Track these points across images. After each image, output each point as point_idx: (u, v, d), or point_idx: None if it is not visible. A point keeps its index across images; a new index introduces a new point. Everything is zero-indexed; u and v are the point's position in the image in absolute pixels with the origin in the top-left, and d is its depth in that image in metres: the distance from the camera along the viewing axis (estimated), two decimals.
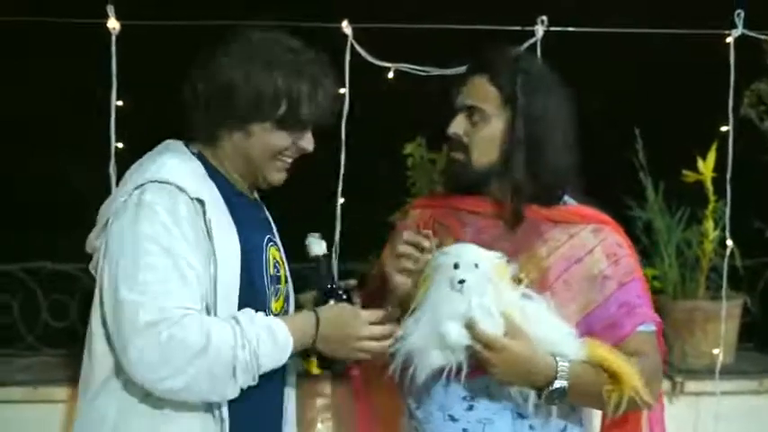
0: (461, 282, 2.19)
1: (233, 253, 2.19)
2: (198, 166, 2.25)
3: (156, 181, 2.14)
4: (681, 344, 3.59)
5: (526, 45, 3.21)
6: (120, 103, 3.18)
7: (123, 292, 2.09)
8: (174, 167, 2.18)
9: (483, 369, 2.22)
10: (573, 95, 2.43)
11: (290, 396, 2.41)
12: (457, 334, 2.19)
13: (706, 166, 3.65)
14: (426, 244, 2.29)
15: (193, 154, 2.29)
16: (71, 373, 3.58)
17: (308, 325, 2.23)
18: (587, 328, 2.31)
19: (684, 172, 3.66)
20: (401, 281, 2.31)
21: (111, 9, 3.13)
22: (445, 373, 2.23)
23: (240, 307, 2.19)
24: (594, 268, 2.36)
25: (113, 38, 3.14)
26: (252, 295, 2.22)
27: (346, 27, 3.22)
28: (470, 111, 2.38)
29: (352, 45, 3.20)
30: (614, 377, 2.25)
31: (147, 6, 3.15)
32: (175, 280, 2.10)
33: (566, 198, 2.44)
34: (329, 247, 3.07)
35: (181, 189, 2.14)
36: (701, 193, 3.67)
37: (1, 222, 4.00)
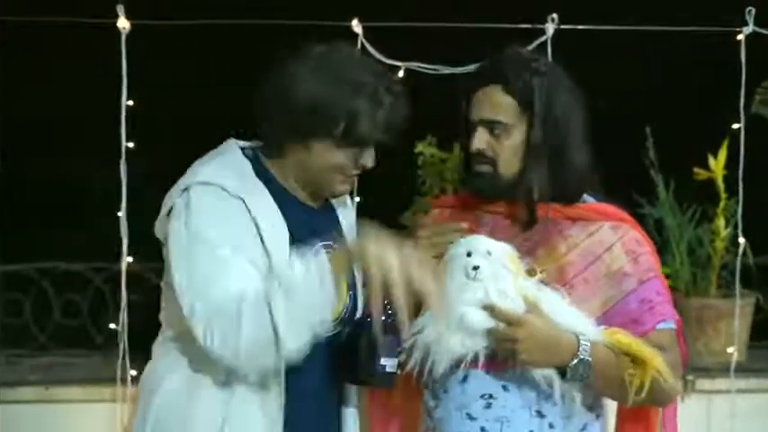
0: (476, 268, 2.20)
1: (284, 249, 2.22)
2: (246, 166, 2.30)
3: (199, 183, 2.21)
4: (692, 342, 3.59)
5: (536, 43, 3.21)
6: (130, 102, 3.18)
7: (187, 296, 2.17)
8: (217, 168, 2.26)
9: (506, 355, 2.22)
10: (584, 93, 2.42)
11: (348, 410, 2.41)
12: (476, 317, 2.19)
13: (717, 164, 3.64)
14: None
15: (247, 156, 2.32)
16: (82, 373, 3.60)
17: (340, 253, 2.18)
18: (607, 324, 2.31)
19: (695, 170, 3.66)
20: None
21: (120, 9, 3.14)
22: (464, 363, 2.24)
23: None
24: (614, 265, 2.35)
25: (123, 37, 3.15)
26: None
27: (356, 26, 3.22)
28: (489, 124, 2.36)
29: (362, 44, 3.20)
30: (635, 361, 2.26)
31: (157, 6, 3.15)
32: (230, 269, 2.16)
33: (584, 196, 2.43)
34: None
35: (223, 188, 2.21)
36: (712, 191, 3.67)
37: (13, 222, 4.01)
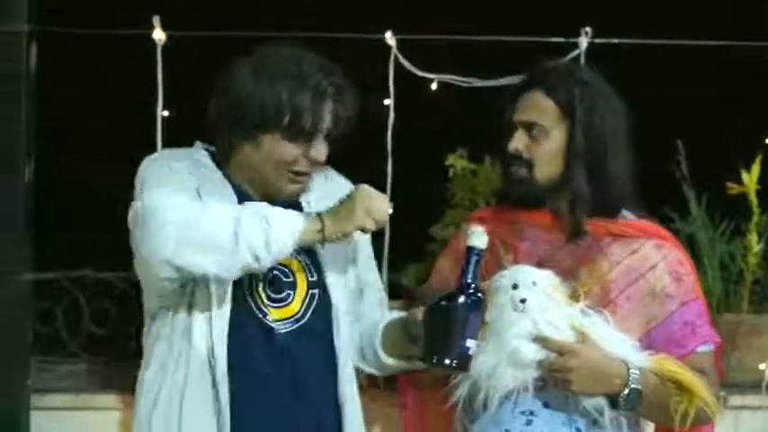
0: (523, 301, 2.21)
1: None
2: (205, 158, 2.38)
3: (151, 160, 2.36)
4: (724, 358, 3.56)
5: (570, 57, 3.20)
6: (165, 113, 3.21)
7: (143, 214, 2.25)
8: (172, 151, 2.42)
9: (558, 383, 2.22)
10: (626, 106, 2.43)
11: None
12: (529, 350, 2.20)
13: (750, 179, 3.62)
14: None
15: (208, 152, 2.41)
16: (113, 381, 3.61)
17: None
18: (649, 344, 2.32)
19: (728, 184, 3.64)
20: None
21: (156, 20, 3.17)
22: (515, 393, 2.25)
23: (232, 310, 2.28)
24: (657, 284, 2.36)
25: (159, 48, 3.17)
26: (234, 297, 2.28)
27: (390, 38, 3.23)
28: (529, 126, 2.38)
29: (395, 56, 3.21)
30: (681, 388, 2.26)
31: (193, 17, 3.17)
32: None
33: (624, 212, 2.43)
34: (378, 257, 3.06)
35: (177, 160, 2.34)
36: (744, 206, 3.65)
37: (46, 229, 4.04)
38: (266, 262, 2.19)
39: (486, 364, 2.24)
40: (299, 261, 2.37)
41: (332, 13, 3.84)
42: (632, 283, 2.36)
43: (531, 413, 2.30)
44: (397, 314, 2.47)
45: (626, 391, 2.23)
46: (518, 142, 2.39)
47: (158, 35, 3.17)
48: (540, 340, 2.21)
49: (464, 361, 2.22)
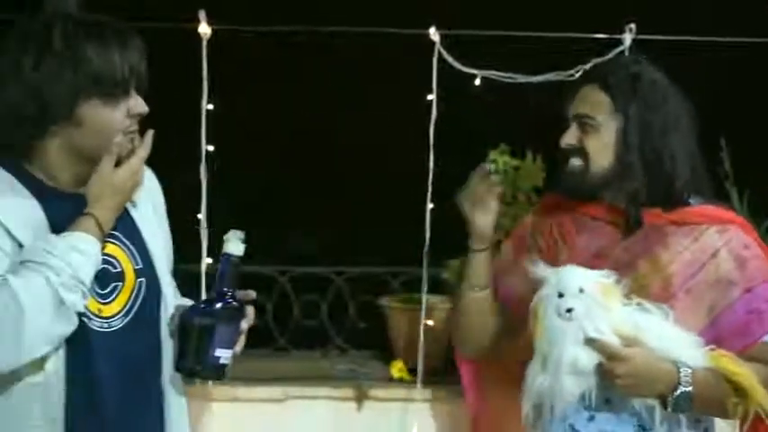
0: (569, 311, 2.20)
1: (41, 236, 2.08)
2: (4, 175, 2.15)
3: None
4: None
5: (614, 53, 3.19)
6: (210, 106, 3.23)
7: None
8: None
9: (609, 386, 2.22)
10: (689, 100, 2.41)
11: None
12: (586, 356, 2.20)
13: None
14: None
15: (3, 166, 2.15)
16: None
17: (81, 218, 2.09)
18: (714, 335, 2.28)
19: None
20: (483, 221, 2.38)
21: (202, 14, 3.19)
22: (584, 400, 2.24)
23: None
24: (720, 271, 2.31)
25: (204, 42, 3.19)
26: None
27: (434, 34, 3.24)
28: (582, 119, 2.38)
29: (439, 51, 3.22)
30: (739, 389, 2.23)
31: (238, 11, 3.20)
32: None
33: (691, 202, 2.40)
34: (415, 251, 3.07)
35: None
36: None
37: None
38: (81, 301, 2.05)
39: (546, 377, 2.23)
40: (123, 249, 2.19)
41: (376, 9, 3.85)
42: (694, 273, 2.31)
43: (594, 409, 2.29)
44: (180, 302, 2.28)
45: (676, 393, 2.20)
46: (570, 137, 2.38)
47: (204, 29, 3.19)
48: (591, 344, 2.19)
49: (213, 371, 2.14)
